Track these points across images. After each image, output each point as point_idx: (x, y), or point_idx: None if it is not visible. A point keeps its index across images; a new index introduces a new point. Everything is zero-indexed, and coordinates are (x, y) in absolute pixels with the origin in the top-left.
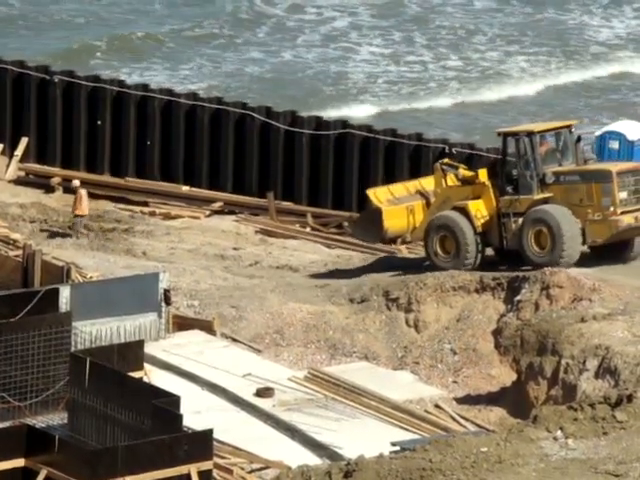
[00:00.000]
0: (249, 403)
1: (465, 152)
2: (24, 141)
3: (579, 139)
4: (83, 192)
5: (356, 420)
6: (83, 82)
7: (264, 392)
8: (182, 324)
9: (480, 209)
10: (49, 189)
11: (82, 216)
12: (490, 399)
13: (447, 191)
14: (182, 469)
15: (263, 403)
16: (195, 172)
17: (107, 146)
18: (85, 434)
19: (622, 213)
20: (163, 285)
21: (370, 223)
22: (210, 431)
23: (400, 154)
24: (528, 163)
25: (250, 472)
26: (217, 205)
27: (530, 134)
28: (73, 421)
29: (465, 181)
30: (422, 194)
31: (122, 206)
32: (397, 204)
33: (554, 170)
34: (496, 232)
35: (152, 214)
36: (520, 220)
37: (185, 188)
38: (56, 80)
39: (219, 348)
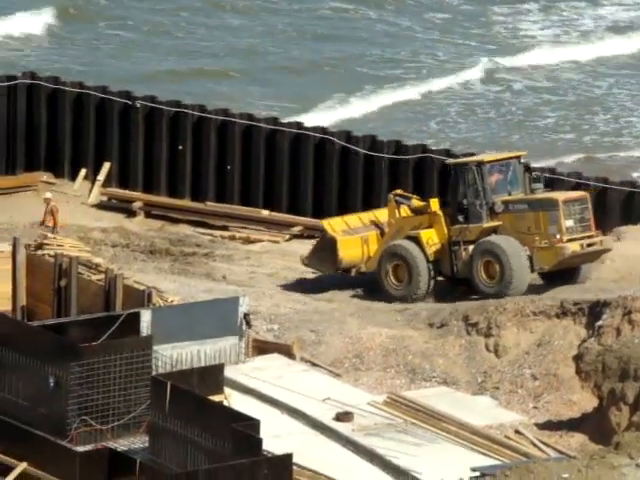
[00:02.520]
0: (328, 427)
1: (546, 176)
2: (106, 166)
3: (528, 169)
4: (52, 204)
5: (436, 445)
6: (165, 107)
7: (343, 416)
8: (262, 348)
9: (432, 238)
10: (131, 213)
11: (53, 227)
12: (571, 425)
13: (400, 221)
14: None
15: (342, 427)
16: (275, 196)
17: (188, 170)
18: (166, 457)
19: (568, 240)
20: (243, 309)
21: (325, 253)
22: (290, 455)
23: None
24: (478, 192)
25: None
26: (297, 229)
27: (479, 164)
28: (154, 444)
29: (418, 211)
30: (376, 225)
31: (202, 230)
32: (352, 234)
33: (503, 199)
34: (447, 260)
35: (232, 238)
36: (470, 248)
37: (265, 212)
38: (138, 105)
39: (298, 372)
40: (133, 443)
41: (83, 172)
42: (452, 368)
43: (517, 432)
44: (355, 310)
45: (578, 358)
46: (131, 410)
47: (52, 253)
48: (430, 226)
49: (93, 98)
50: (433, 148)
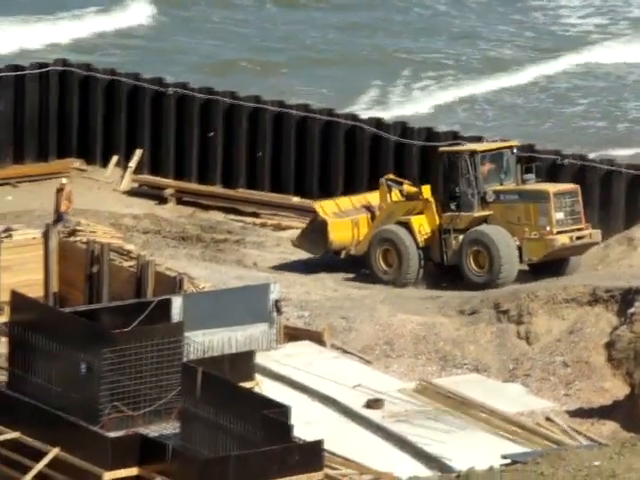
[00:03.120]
0: (359, 414)
1: (577, 163)
2: (138, 153)
3: (519, 160)
4: (68, 189)
5: (466, 432)
6: (196, 94)
7: (374, 403)
8: (292, 335)
9: (423, 224)
10: (162, 200)
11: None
12: (602, 412)
13: (392, 206)
14: (293, 479)
15: (373, 414)
16: (306, 183)
17: (219, 157)
18: (197, 443)
19: (558, 233)
20: (274, 296)
21: (316, 235)
22: (320, 442)
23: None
24: (470, 181)
25: None
26: None
27: (472, 154)
28: (185, 430)
29: (409, 197)
30: (367, 208)
31: (233, 217)
32: (343, 217)
33: (494, 189)
34: (437, 247)
35: (263, 225)
36: (460, 237)
37: (296, 199)
38: (170, 92)
39: (329, 359)
40: (164, 429)
41: (115, 159)
42: (483, 355)
43: (548, 419)
44: (386, 297)
45: (610, 345)
46: (162, 396)
47: (84, 240)
48: (421, 212)
49: (125, 85)
50: (464, 135)
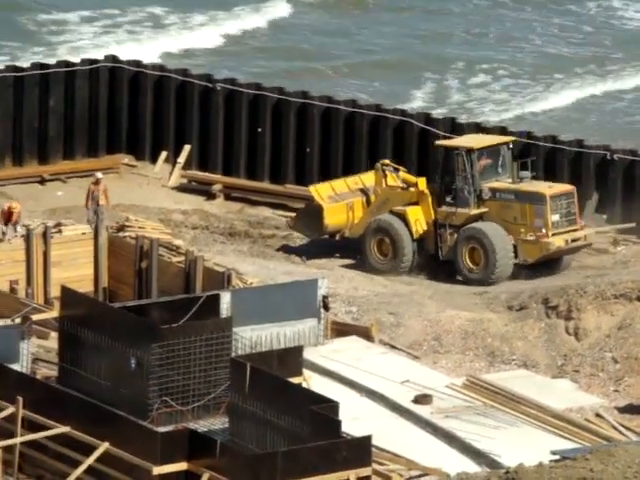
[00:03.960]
0: (407, 410)
1: (627, 159)
2: (187, 148)
3: (516, 157)
4: (105, 183)
5: (515, 428)
6: (244, 89)
7: (422, 399)
8: (340, 330)
9: (419, 217)
10: (211, 196)
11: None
12: None
13: (387, 192)
14: (341, 475)
15: (421, 410)
16: None
17: (267, 153)
18: (245, 439)
19: (553, 235)
20: (322, 291)
21: (311, 218)
22: (369, 437)
23: (560, 160)
24: (466, 178)
25: (408, 479)
26: None
27: (469, 151)
28: (234, 425)
29: (405, 183)
30: (362, 190)
31: (281, 212)
32: (338, 201)
33: (491, 186)
34: (432, 240)
35: None
36: (456, 235)
37: None
38: (218, 88)
39: (377, 354)
40: (213, 424)
41: (164, 155)
42: (532, 351)
43: (598, 415)
44: (434, 293)
45: None
46: (211, 391)
47: (133, 235)
48: (417, 203)
49: (174, 81)
50: (513, 130)
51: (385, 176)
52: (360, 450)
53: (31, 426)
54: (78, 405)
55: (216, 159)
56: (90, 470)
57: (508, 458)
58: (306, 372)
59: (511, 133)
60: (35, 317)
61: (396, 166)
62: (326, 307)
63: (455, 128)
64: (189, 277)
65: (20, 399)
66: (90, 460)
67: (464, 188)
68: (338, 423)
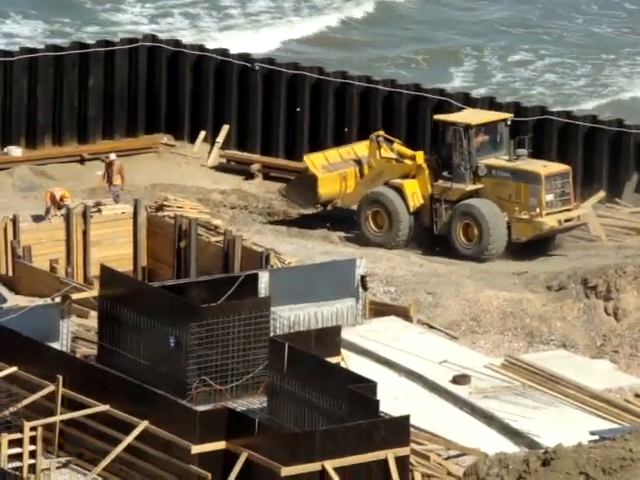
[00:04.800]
0: (445, 390)
1: None
2: (225, 128)
3: (514, 134)
4: (119, 163)
5: (553, 408)
6: (283, 69)
7: (461, 379)
8: (378, 310)
9: (415, 190)
10: (249, 175)
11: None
12: None
13: (382, 165)
14: (379, 454)
15: (460, 390)
16: None
17: (305, 133)
18: (283, 418)
19: (547, 214)
20: (360, 271)
21: (305, 188)
22: (407, 417)
23: (600, 140)
24: (463, 154)
25: (447, 459)
26: None
27: (467, 128)
28: (272, 405)
29: (400, 156)
30: (356, 161)
31: None
32: (331, 171)
33: (487, 163)
34: (428, 214)
35: None
36: (451, 209)
37: None
38: (257, 68)
39: (415, 334)
40: (251, 403)
41: (202, 134)
42: (570, 331)
43: (637, 396)
44: (472, 272)
45: None
46: (249, 370)
47: (172, 215)
48: (412, 176)
49: (213, 61)
50: (552, 110)
51: (379, 147)
52: (398, 430)
53: (71, 404)
54: (117, 384)
55: (255, 139)
56: (129, 448)
57: (547, 438)
58: (344, 352)
59: (551, 112)
60: (75, 296)
61: (391, 138)
62: (364, 287)
63: (493, 107)
64: (228, 257)
65: (60, 377)
66: (129, 438)
67: (460, 164)
68: (376, 403)
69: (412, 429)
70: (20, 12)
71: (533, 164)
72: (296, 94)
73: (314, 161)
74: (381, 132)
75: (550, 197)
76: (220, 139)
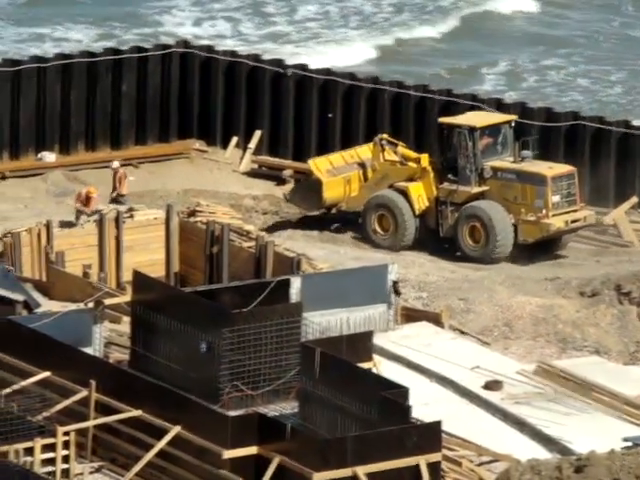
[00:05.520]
0: (477, 396)
1: None
2: (257, 134)
3: (518, 136)
4: (123, 171)
5: (586, 415)
6: (315, 75)
7: (493, 385)
8: (410, 316)
9: (421, 193)
10: (281, 181)
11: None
12: None
13: (386, 168)
14: (411, 460)
15: (492, 396)
16: None
17: (337, 138)
18: (315, 423)
19: (554, 216)
20: (392, 277)
21: (309, 192)
22: (439, 423)
23: (633, 146)
24: (468, 157)
25: (479, 465)
26: None
27: (472, 130)
28: (304, 410)
29: (404, 158)
30: (359, 164)
31: None
32: (336, 175)
33: (492, 165)
34: (433, 216)
35: None
36: (457, 213)
37: None
38: (289, 73)
39: (447, 340)
40: (283, 409)
41: (234, 140)
42: (604, 337)
43: None
44: (505, 278)
45: None
46: (281, 376)
47: (204, 220)
48: (415, 179)
49: (245, 66)
50: (584, 115)
51: (383, 150)
52: (430, 436)
53: (104, 409)
54: (150, 389)
55: (287, 144)
56: (161, 453)
57: (579, 445)
58: (376, 357)
59: (583, 118)
60: (107, 301)
61: (394, 141)
62: (396, 292)
63: (525, 113)
64: (259, 262)
65: (93, 383)
66: (162, 443)
67: (466, 166)
68: (408, 408)
69: (444, 435)
70: (72, 16)
71: (538, 166)
72: (328, 100)
73: (318, 165)
74: (385, 135)
75: (556, 198)
76: (252, 145)
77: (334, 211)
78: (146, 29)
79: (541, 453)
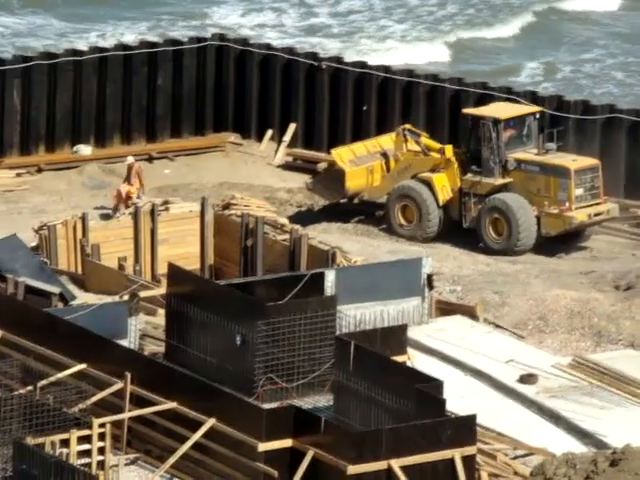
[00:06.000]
0: (512, 389)
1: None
2: (292, 127)
3: (543, 128)
4: (138, 165)
5: (622, 408)
6: (350, 68)
7: (528, 378)
8: (445, 309)
9: (445, 184)
10: (316, 174)
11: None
12: None
13: (409, 158)
14: (446, 454)
15: (527, 389)
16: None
17: (372, 131)
18: (350, 416)
19: (577, 209)
20: (426, 270)
21: (332, 182)
22: (474, 416)
23: None
24: (492, 149)
25: (514, 458)
26: None
27: (496, 122)
28: (338, 403)
29: (428, 149)
30: (382, 154)
31: None
32: (358, 164)
33: (516, 157)
34: (457, 207)
35: None
36: (480, 205)
37: None
38: (324, 66)
39: (482, 334)
40: (318, 401)
41: (269, 133)
42: (639, 331)
43: None
44: (539, 272)
45: None
46: (315, 369)
47: (239, 213)
48: (439, 169)
49: (280, 59)
50: (621, 108)
51: (406, 140)
52: (465, 429)
53: (139, 401)
54: (185, 381)
55: (321, 137)
56: (196, 445)
57: (615, 438)
58: (410, 350)
59: (620, 111)
60: (143, 294)
61: (417, 131)
62: (431, 286)
63: (562, 106)
64: (294, 255)
65: (128, 375)
66: (197, 436)
67: (490, 158)
68: (442, 402)
69: (479, 428)
70: (121, 9)
71: (562, 158)
72: (363, 92)
73: (341, 155)
74: (408, 125)
75: (580, 191)
76: (287, 137)
77: (356, 201)
78: (193, 22)
79: (576, 447)
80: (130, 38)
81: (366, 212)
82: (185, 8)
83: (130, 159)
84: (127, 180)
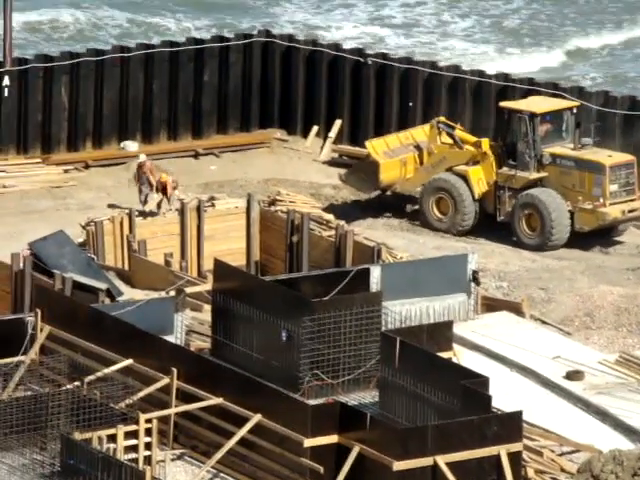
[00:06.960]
0: (559, 386)
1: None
2: (338, 123)
3: (579, 123)
4: (150, 163)
5: None
6: (395, 64)
7: (574, 375)
8: (491, 305)
9: (481, 177)
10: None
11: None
12: None
13: (444, 151)
14: (492, 450)
15: (573, 386)
16: None
17: None
18: (395, 412)
19: (611, 205)
20: (472, 266)
21: (366, 174)
22: (520, 413)
23: None
24: (528, 143)
25: (560, 455)
26: None
27: (532, 116)
28: (384, 399)
29: (462, 142)
30: (416, 146)
31: None
32: (392, 156)
33: (552, 152)
34: (492, 201)
35: None
36: (514, 198)
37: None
38: (370, 62)
39: (528, 330)
40: (363, 398)
41: (315, 129)
42: None
43: None
44: (586, 268)
45: None
46: (361, 365)
47: (284, 209)
48: (475, 162)
49: (326, 55)
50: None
51: (440, 133)
52: (511, 425)
53: (185, 397)
54: (231, 377)
55: (367, 133)
56: (242, 441)
57: None
58: (456, 347)
59: None
60: (189, 290)
61: (452, 124)
62: (476, 282)
63: (609, 102)
64: (339, 251)
65: (174, 370)
66: (243, 431)
67: (525, 152)
68: (489, 398)
69: (525, 425)
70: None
71: (598, 154)
72: (408, 88)
73: (375, 147)
74: (442, 118)
75: (614, 187)
76: (332, 134)
77: (389, 193)
78: (260, 20)
79: (623, 444)
80: (198, 34)
81: (394, 206)
82: (249, 7)
83: (142, 157)
84: (137, 179)
